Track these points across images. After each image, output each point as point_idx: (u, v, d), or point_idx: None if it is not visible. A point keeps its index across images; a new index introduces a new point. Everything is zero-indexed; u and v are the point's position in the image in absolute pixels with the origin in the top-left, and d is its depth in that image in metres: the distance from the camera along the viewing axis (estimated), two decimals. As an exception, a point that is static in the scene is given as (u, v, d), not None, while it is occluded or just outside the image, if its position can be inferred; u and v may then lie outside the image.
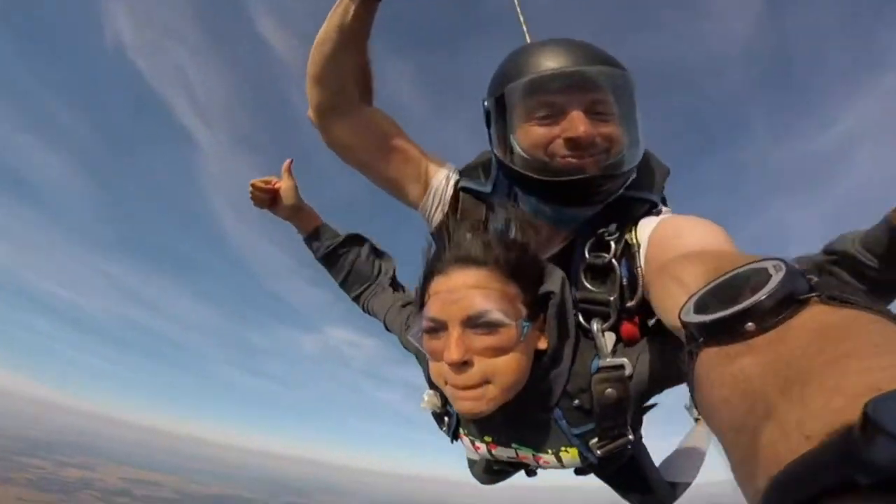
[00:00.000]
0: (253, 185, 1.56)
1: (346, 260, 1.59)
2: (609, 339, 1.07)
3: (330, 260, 1.61)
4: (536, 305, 1.01)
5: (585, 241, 1.21)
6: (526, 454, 1.18)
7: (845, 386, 0.30)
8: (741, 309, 0.46)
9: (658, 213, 1.25)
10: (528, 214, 1.21)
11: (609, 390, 1.02)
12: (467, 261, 0.97)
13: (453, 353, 0.90)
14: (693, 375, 0.50)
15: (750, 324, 0.45)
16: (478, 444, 1.22)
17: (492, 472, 1.71)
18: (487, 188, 1.36)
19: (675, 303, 0.60)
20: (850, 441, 0.25)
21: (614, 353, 1.06)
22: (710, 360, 0.47)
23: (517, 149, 1.17)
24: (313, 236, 1.62)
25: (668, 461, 2.21)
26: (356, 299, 1.60)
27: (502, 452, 1.20)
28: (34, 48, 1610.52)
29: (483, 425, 1.19)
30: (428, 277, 1.03)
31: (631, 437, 1.10)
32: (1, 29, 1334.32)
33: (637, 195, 1.23)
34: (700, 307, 0.53)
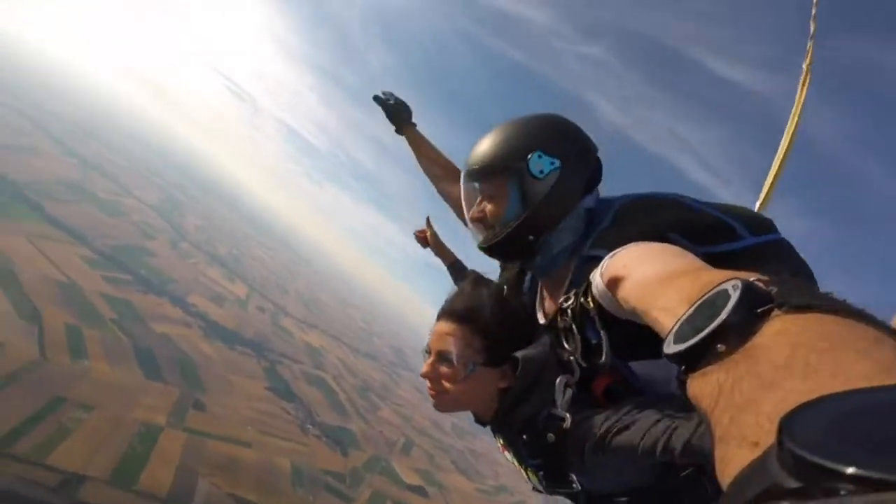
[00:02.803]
0: (414, 234, 2.59)
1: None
2: (566, 393, 1.27)
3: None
4: (499, 355, 1.38)
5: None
6: (515, 464, 1.50)
7: (780, 403, 0.36)
8: (706, 335, 0.51)
9: None
10: (500, 287, 1.62)
11: (549, 434, 1.26)
12: (448, 314, 1.45)
13: (423, 368, 1.43)
14: (690, 402, 0.53)
15: (720, 345, 0.49)
16: (500, 443, 1.57)
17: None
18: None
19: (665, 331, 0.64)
20: (768, 455, 0.30)
21: (569, 406, 1.26)
22: (694, 382, 0.52)
23: None
24: (451, 267, 2.43)
25: None
26: None
27: (508, 455, 1.54)
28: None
29: (495, 430, 1.56)
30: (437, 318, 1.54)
31: (577, 487, 1.30)
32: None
33: (593, 253, 1.33)
34: (679, 338, 0.57)
